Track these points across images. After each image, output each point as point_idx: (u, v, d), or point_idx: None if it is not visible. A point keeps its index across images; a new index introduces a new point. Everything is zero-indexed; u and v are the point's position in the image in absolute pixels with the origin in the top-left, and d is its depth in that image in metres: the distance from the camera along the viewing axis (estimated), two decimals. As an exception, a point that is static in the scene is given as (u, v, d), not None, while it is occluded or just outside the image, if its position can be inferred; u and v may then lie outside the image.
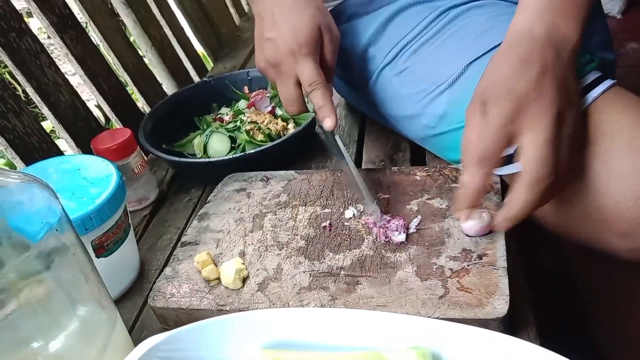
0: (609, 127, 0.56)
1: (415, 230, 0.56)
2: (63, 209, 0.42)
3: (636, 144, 0.54)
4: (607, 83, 0.59)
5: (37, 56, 0.83)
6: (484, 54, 0.64)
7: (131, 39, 1.10)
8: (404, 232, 0.56)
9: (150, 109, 0.94)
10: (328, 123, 0.63)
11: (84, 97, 0.92)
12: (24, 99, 1.36)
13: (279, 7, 0.66)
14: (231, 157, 0.76)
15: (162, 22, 1.17)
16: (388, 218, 0.57)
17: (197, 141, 0.84)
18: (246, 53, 1.26)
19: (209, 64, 1.31)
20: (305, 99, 0.67)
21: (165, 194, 0.82)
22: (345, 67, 0.77)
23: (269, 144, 0.77)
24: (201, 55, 1.29)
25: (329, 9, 0.74)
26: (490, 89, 0.51)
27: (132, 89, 1.05)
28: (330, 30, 0.67)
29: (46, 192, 0.41)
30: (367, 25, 0.75)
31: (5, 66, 0.85)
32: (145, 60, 1.13)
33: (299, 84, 0.66)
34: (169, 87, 1.14)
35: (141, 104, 1.08)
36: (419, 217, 0.58)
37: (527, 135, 0.49)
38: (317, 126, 0.85)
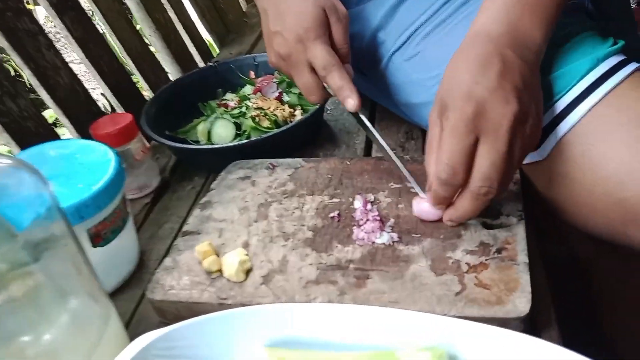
0: (635, 112, 0.53)
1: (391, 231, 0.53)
2: (54, 197, 0.39)
3: None
4: (632, 66, 0.56)
5: (36, 38, 0.80)
6: None
7: (137, 26, 1.07)
8: (385, 232, 0.53)
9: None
10: (350, 103, 0.60)
11: (88, 85, 0.89)
12: (28, 85, 1.34)
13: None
14: (236, 143, 0.73)
15: (167, 6, 1.14)
16: (372, 216, 0.55)
17: (201, 127, 0.81)
18: (253, 38, 1.23)
19: (215, 51, 1.28)
20: (325, 85, 0.64)
21: (167, 181, 0.79)
22: (354, 53, 0.74)
23: (275, 131, 0.74)
24: (207, 43, 1.26)
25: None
26: (449, 94, 0.48)
27: (136, 77, 1.02)
28: (337, 11, 0.63)
29: (35, 177, 0.38)
30: (377, 8, 0.71)
31: (2, 50, 0.82)
32: (150, 46, 1.10)
33: (314, 71, 0.62)
34: (173, 73, 1.11)
35: (146, 91, 1.05)
36: (392, 219, 0.55)
37: (483, 143, 0.47)
38: (324, 113, 0.82)
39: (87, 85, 0.88)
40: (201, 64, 1.19)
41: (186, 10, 1.21)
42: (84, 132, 0.82)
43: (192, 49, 1.17)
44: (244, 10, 1.43)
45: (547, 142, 0.55)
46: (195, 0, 1.25)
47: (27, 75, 0.79)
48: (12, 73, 1.54)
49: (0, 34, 0.74)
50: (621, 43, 0.59)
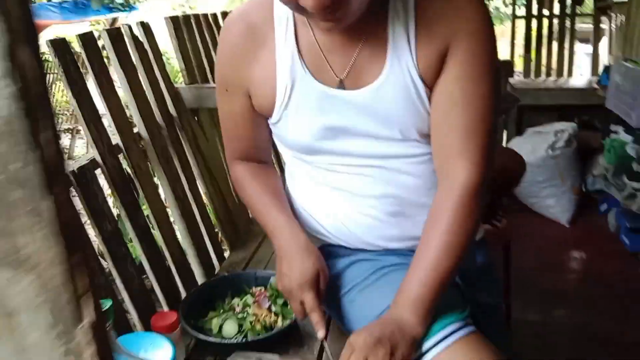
0: None
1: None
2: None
3: None
4: (468, 330, 1.00)
5: (120, 248, 1.27)
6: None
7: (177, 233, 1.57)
8: None
9: (185, 292, 1.37)
10: (320, 334, 1.05)
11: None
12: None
13: (288, 251, 1.08)
14: (237, 342, 1.17)
15: (199, 220, 1.64)
16: None
17: (215, 322, 1.25)
18: (254, 246, 1.72)
19: (227, 251, 1.77)
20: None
21: (190, 355, 1.21)
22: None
23: (265, 335, 1.19)
24: (221, 243, 1.76)
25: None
26: (356, 344, 0.90)
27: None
28: (324, 272, 1.09)
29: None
30: (336, 265, 1.18)
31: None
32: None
33: (303, 304, 1.07)
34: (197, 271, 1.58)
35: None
36: None
37: None
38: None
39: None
40: (215, 262, 1.67)
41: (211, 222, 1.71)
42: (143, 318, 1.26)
43: (212, 253, 1.65)
44: (250, 217, 1.94)
45: None
46: (215, 207, 1.76)
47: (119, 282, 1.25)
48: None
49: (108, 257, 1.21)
50: (467, 311, 1.05)
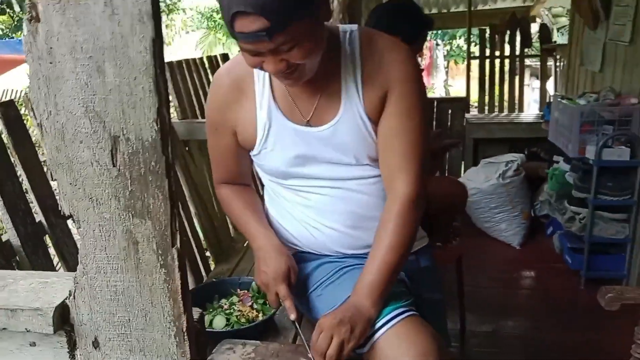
0: (407, 343, 1.22)
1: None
2: None
3: None
4: (407, 313, 1.27)
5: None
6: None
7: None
8: None
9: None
10: (292, 316, 1.30)
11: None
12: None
13: (265, 252, 1.34)
14: (225, 330, 1.42)
15: (189, 235, 1.89)
16: None
17: (206, 318, 1.50)
18: (237, 259, 1.97)
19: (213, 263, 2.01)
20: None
21: (184, 346, 1.45)
22: (298, 293, 1.46)
23: (247, 325, 1.44)
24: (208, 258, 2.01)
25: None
26: (323, 325, 1.16)
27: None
28: (294, 267, 1.36)
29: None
30: (305, 268, 1.45)
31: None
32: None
33: (277, 294, 1.33)
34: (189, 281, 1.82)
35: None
36: None
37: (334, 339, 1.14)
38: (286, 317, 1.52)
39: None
40: (203, 272, 1.91)
41: (197, 232, 1.96)
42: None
43: (200, 263, 1.90)
44: (232, 235, 2.20)
45: (367, 345, 1.25)
46: (203, 225, 2.01)
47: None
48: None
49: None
50: (410, 301, 1.32)
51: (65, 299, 0.61)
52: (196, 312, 0.62)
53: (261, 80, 1.28)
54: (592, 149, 2.96)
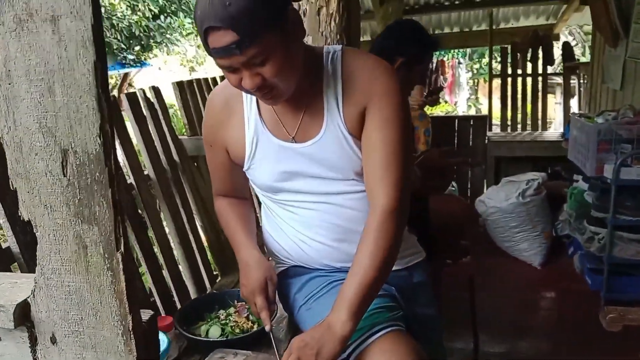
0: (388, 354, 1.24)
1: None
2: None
3: None
4: (390, 329, 1.29)
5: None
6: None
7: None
8: None
9: (180, 304, 1.66)
10: (267, 327, 1.34)
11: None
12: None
13: (247, 265, 1.39)
14: (219, 340, 1.47)
15: (194, 247, 1.95)
16: None
17: (204, 328, 1.55)
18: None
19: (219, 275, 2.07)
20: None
21: (180, 355, 1.50)
22: (286, 305, 1.50)
23: (241, 335, 1.48)
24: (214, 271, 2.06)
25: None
26: (292, 347, 1.15)
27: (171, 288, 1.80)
28: (272, 279, 1.39)
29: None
30: (298, 282, 1.49)
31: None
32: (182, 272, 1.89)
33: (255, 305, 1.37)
34: (190, 287, 1.88)
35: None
36: None
37: None
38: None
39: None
40: (207, 282, 1.97)
41: (204, 249, 2.02)
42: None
43: (204, 273, 1.96)
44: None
45: (351, 358, 1.27)
46: (209, 239, 2.07)
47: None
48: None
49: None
50: (397, 316, 1.34)
51: (27, 297, 0.66)
52: (147, 313, 0.67)
53: (249, 98, 1.34)
54: (610, 168, 2.91)
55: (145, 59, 8.63)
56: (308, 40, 1.70)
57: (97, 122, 0.57)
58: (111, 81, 9.66)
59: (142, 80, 10.11)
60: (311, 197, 1.36)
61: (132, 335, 0.63)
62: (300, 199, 1.37)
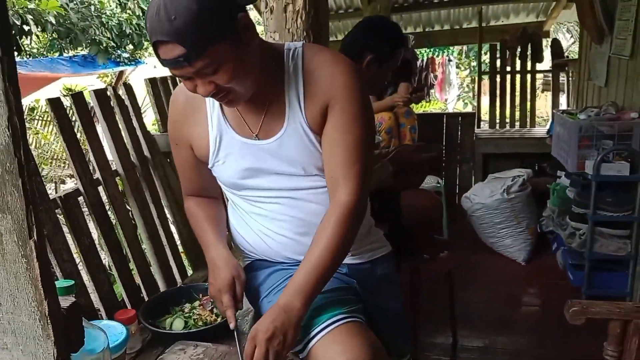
0: (342, 346, 1.26)
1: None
2: (107, 342, 1.14)
3: None
4: (345, 320, 1.30)
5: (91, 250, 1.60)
6: None
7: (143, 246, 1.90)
8: None
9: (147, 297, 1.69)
10: (231, 325, 1.36)
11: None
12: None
13: (214, 265, 1.40)
14: (182, 332, 1.49)
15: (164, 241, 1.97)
16: None
17: (168, 321, 1.57)
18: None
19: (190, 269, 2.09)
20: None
21: (144, 347, 1.53)
22: (249, 297, 1.52)
23: (202, 328, 1.50)
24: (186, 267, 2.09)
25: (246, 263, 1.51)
26: (257, 340, 1.18)
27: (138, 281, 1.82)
28: (240, 277, 1.41)
29: (104, 334, 1.14)
30: (261, 275, 1.51)
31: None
32: (150, 266, 1.91)
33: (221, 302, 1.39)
34: (160, 281, 1.91)
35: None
36: None
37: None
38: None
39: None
40: (177, 276, 1.99)
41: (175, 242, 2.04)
42: (110, 314, 1.58)
43: (174, 267, 1.98)
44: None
45: (305, 351, 1.29)
46: (181, 233, 2.09)
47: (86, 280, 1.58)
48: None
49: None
50: (354, 308, 1.37)
51: (-49, 284, 0.69)
52: (67, 300, 0.69)
53: None
54: (591, 164, 2.92)
55: (140, 57, 8.65)
56: (275, 37, 1.71)
57: (5, 115, 0.59)
58: (106, 79, 9.68)
59: (137, 78, 10.13)
60: (275, 192, 1.37)
61: (49, 320, 0.65)
62: (265, 195, 1.38)
